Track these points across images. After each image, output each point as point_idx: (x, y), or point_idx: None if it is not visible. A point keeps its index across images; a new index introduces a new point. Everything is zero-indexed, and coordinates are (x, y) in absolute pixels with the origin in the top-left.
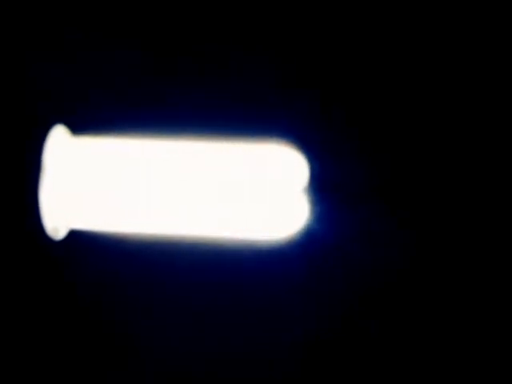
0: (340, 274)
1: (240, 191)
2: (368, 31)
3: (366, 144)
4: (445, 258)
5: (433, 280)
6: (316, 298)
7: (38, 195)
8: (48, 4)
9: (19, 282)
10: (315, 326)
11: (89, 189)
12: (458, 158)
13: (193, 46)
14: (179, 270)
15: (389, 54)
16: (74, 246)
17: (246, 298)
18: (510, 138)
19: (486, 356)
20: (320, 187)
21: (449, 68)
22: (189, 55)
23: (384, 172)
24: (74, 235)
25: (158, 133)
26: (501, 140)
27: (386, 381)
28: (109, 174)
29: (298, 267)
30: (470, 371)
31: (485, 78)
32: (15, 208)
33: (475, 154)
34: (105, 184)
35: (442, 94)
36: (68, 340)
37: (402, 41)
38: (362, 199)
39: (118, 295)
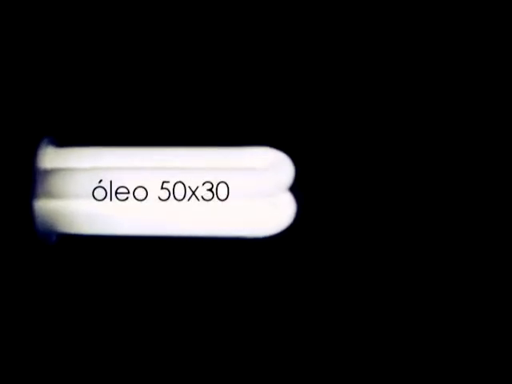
0: (326, 272)
1: (226, 189)
2: (352, 37)
3: (352, 142)
4: (440, 258)
5: (428, 280)
6: (302, 296)
7: (30, 202)
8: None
9: (12, 289)
10: (303, 325)
11: (80, 193)
12: (446, 161)
13: (181, 55)
14: (168, 269)
15: (375, 57)
16: (65, 251)
17: (234, 295)
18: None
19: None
20: (305, 186)
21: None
22: (177, 63)
23: (370, 170)
24: (66, 240)
25: (146, 139)
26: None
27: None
28: (97, 181)
29: (284, 266)
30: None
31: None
32: (7, 215)
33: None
34: (95, 187)
35: (428, 99)
36: (62, 345)
37: (386, 44)
38: (348, 198)
39: (111, 299)
